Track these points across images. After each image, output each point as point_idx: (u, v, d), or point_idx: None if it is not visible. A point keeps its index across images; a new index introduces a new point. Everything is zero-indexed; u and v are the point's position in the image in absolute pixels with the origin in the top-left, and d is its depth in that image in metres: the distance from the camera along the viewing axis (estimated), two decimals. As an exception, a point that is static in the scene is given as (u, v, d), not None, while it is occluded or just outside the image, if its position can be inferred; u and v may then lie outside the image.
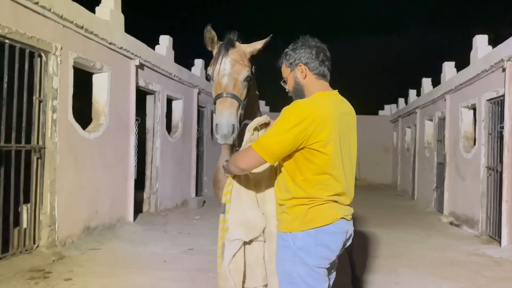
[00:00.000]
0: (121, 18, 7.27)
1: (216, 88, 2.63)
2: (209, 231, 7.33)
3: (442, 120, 10.73)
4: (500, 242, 6.69)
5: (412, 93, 15.16)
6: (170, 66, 9.42)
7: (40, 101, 5.42)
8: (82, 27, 6.04)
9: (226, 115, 2.48)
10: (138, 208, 8.40)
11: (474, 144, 8.52)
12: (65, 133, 5.82)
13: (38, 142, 5.40)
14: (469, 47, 8.63)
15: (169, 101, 9.95)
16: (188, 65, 11.30)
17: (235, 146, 2.81)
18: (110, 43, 6.84)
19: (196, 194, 11.19)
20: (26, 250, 5.20)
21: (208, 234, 7.08)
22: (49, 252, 5.34)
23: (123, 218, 7.46)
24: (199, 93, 11.30)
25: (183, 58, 10.54)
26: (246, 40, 2.82)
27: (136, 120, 8.02)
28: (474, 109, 8.60)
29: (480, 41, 8.26)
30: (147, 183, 8.99)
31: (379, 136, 19.43)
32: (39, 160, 5.40)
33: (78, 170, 6.14)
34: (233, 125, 2.48)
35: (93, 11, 6.67)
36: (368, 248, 6.53)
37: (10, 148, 4.98)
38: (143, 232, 7.25)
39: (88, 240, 6.14)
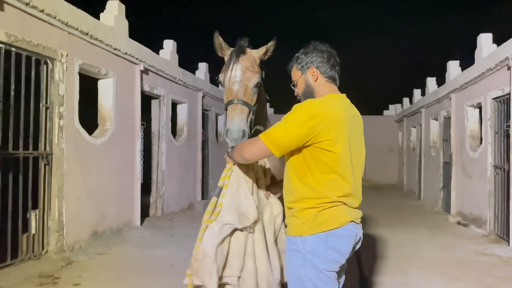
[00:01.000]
0: (125, 23, 7.32)
1: (227, 94, 2.70)
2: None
3: (447, 119, 10.69)
4: (508, 242, 6.65)
5: (417, 92, 15.13)
6: (175, 70, 9.46)
7: (46, 108, 5.47)
8: (87, 34, 6.09)
9: (236, 121, 2.56)
10: (145, 212, 8.43)
11: (481, 143, 8.48)
12: (72, 139, 5.86)
13: (45, 149, 5.44)
14: (474, 45, 8.61)
15: (174, 105, 9.98)
16: (192, 69, 11.34)
17: None
18: (114, 49, 6.89)
19: (202, 197, 11.21)
20: (35, 256, 5.23)
21: (215, 237, 7.09)
22: (57, 257, 5.37)
23: (130, 222, 7.50)
24: (203, 97, 11.33)
25: (187, 62, 10.59)
26: (252, 43, 2.86)
27: (142, 124, 8.06)
28: (480, 108, 8.57)
29: (485, 40, 8.24)
30: (153, 187, 9.02)
31: (384, 136, 19.39)
32: (47, 166, 5.44)
33: (85, 176, 6.18)
34: (243, 130, 2.55)
35: (98, 18, 6.72)
36: (376, 249, 6.51)
37: (18, 154, 5.02)
38: (150, 236, 7.28)
39: (96, 245, 6.17)
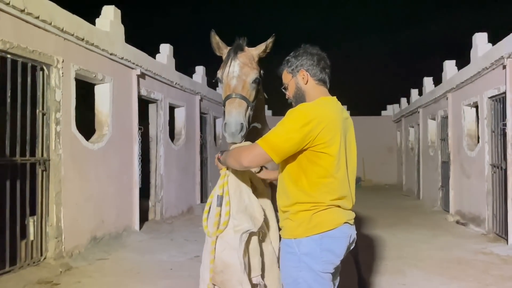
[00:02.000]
0: (121, 28, 7.33)
1: (225, 90, 2.71)
2: (215, 237, 7.33)
3: (445, 118, 10.71)
4: (507, 240, 6.66)
5: (414, 92, 15.15)
6: (171, 74, 9.47)
7: (43, 114, 5.47)
8: (83, 39, 6.10)
9: (234, 114, 2.55)
10: (143, 217, 8.43)
11: (478, 142, 8.50)
12: (69, 144, 5.86)
13: (42, 155, 5.44)
14: (470, 44, 8.63)
15: (172, 109, 9.99)
16: (190, 73, 11.36)
17: None
18: (111, 54, 6.90)
19: (201, 201, 11.19)
20: (34, 262, 5.23)
21: (214, 240, 7.08)
22: (56, 263, 5.37)
23: (129, 227, 7.49)
24: (201, 100, 11.34)
25: (184, 65, 10.61)
26: (250, 45, 2.88)
27: (139, 129, 8.06)
28: (476, 107, 8.59)
29: (480, 39, 8.26)
30: (152, 191, 9.02)
31: (382, 136, 19.42)
32: (44, 172, 5.44)
33: (83, 181, 6.18)
34: (241, 123, 2.54)
35: (93, 23, 6.73)
36: (375, 249, 6.52)
37: (15, 161, 5.02)
38: (149, 240, 7.28)
39: (95, 251, 6.17)
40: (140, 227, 7.87)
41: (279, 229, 2.41)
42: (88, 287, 4.82)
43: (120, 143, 7.32)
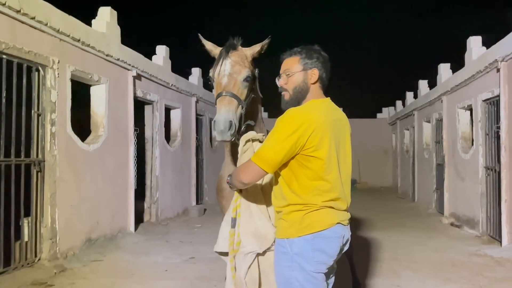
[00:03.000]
0: (117, 30, 7.34)
1: (216, 88, 2.71)
2: (210, 239, 7.31)
3: (439, 121, 10.77)
4: (500, 242, 6.70)
5: (409, 95, 15.22)
6: (168, 75, 9.48)
7: (38, 115, 5.46)
8: (78, 40, 6.10)
9: (223, 112, 2.54)
10: (139, 218, 8.41)
11: (472, 144, 8.55)
12: (64, 145, 5.85)
13: (37, 156, 5.43)
14: (464, 48, 8.70)
15: (167, 110, 9.99)
16: (186, 74, 11.36)
17: (237, 152, 2.87)
18: (107, 55, 6.90)
19: (197, 203, 11.20)
20: (28, 264, 5.21)
21: (210, 242, 7.05)
22: (51, 265, 5.35)
23: (124, 228, 7.48)
24: (197, 102, 11.35)
25: (181, 67, 10.62)
26: (246, 46, 2.89)
27: (135, 130, 8.06)
28: (471, 110, 8.64)
29: (474, 42, 8.33)
30: (147, 193, 9.00)
31: (378, 139, 19.48)
32: (39, 173, 5.43)
33: (78, 182, 6.17)
34: (230, 121, 2.52)
35: (90, 24, 6.73)
36: (370, 251, 6.54)
37: (10, 162, 5.01)
38: (144, 242, 7.26)
39: (89, 252, 6.15)
40: (135, 228, 7.86)
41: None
42: (82, 288, 4.81)
43: (115, 145, 7.31)
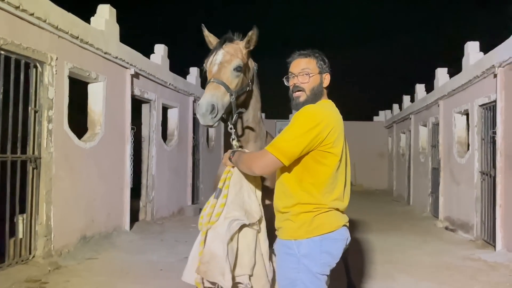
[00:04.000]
0: (116, 28, 7.32)
1: (208, 77, 2.74)
2: (205, 239, 7.32)
3: (436, 125, 10.81)
4: (494, 247, 6.73)
5: (406, 99, 15.28)
6: (165, 74, 9.47)
7: (35, 111, 5.44)
8: (77, 38, 6.08)
9: (207, 96, 2.56)
10: (134, 217, 8.39)
11: (468, 149, 8.59)
12: (61, 143, 5.83)
13: (33, 152, 5.41)
14: (462, 53, 8.74)
15: (165, 110, 9.98)
16: (184, 74, 11.35)
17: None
18: (105, 53, 6.89)
19: (193, 202, 11.18)
20: (22, 261, 5.18)
21: (205, 242, 7.07)
22: (45, 262, 5.33)
23: (119, 227, 7.46)
24: (194, 101, 11.33)
25: (179, 66, 10.61)
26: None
27: (132, 129, 8.04)
28: (467, 115, 8.69)
29: (472, 48, 8.37)
30: (143, 192, 8.99)
31: (374, 142, 19.54)
32: (35, 170, 5.41)
33: (74, 180, 6.15)
34: (213, 104, 2.52)
35: (88, 22, 6.72)
36: (365, 254, 6.55)
37: (6, 158, 4.98)
38: (139, 241, 7.25)
39: (84, 250, 6.13)
40: (131, 227, 7.84)
41: (275, 230, 2.42)
42: (76, 286, 4.79)
43: (112, 143, 7.29)
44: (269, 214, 2.58)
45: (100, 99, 6.99)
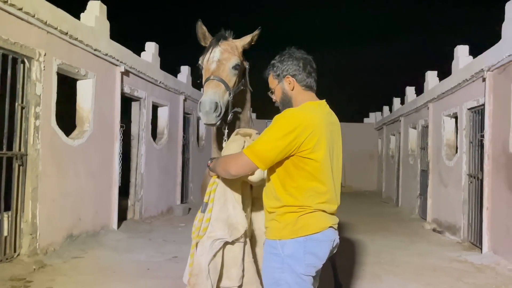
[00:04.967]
0: (106, 24, 7.26)
1: (205, 74, 2.72)
2: (194, 238, 7.28)
3: (425, 128, 10.89)
4: (481, 249, 6.80)
5: (397, 101, 15.38)
6: (156, 72, 9.41)
7: (22, 108, 5.36)
8: (66, 34, 6.01)
9: (209, 93, 2.54)
10: (122, 216, 8.33)
11: (456, 152, 8.66)
12: (48, 139, 5.76)
13: (20, 149, 5.33)
14: (451, 56, 8.82)
15: (155, 108, 9.92)
16: (174, 72, 11.30)
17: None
18: (95, 50, 6.82)
19: (182, 201, 11.13)
20: (7, 259, 5.10)
21: (193, 241, 7.03)
22: (30, 260, 5.25)
23: (107, 225, 7.39)
24: (185, 100, 11.29)
25: (169, 65, 10.55)
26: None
27: (121, 126, 7.97)
28: (456, 118, 8.76)
29: (461, 51, 8.44)
30: (132, 190, 8.91)
31: (364, 143, 19.63)
32: (21, 167, 5.33)
33: (61, 177, 6.07)
34: (216, 102, 2.51)
35: (78, 18, 6.64)
36: (353, 255, 6.57)
37: (-9, 155, 4.91)
38: (127, 239, 7.19)
39: (70, 248, 6.06)
40: (118, 226, 7.77)
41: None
42: (61, 285, 4.73)
43: (101, 140, 7.22)
44: None
45: (89, 96, 6.91)
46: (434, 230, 9.10)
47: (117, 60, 7.55)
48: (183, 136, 11.30)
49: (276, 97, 2.40)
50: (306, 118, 2.12)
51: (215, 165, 2.40)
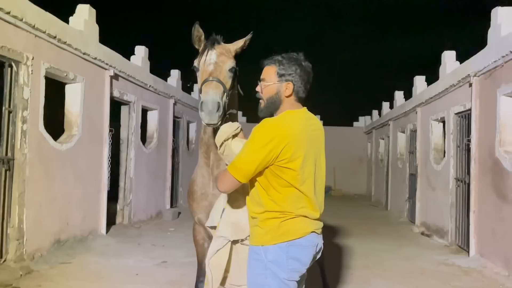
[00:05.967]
0: (95, 28, 7.22)
1: (202, 76, 2.72)
2: (183, 243, 7.27)
3: (413, 132, 11.00)
4: (468, 252, 6.87)
5: (386, 105, 15.51)
6: (146, 76, 9.38)
7: (9, 112, 5.31)
8: (55, 37, 5.97)
9: (211, 93, 2.55)
10: (111, 220, 8.27)
11: (444, 156, 8.76)
12: (36, 144, 5.70)
13: (7, 154, 5.27)
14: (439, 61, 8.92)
15: (144, 112, 9.88)
16: (164, 76, 11.27)
17: (211, 156, 2.88)
18: (84, 53, 6.78)
19: (171, 206, 11.09)
20: (-7, 265, 5.04)
21: (183, 246, 7.02)
22: (16, 266, 5.18)
23: (95, 230, 7.33)
24: (175, 104, 11.27)
25: (159, 68, 10.53)
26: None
27: (110, 130, 7.93)
28: (444, 122, 8.87)
29: (449, 57, 8.56)
30: (121, 195, 8.86)
31: (354, 147, 19.75)
32: (8, 172, 5.27)
33: (48, 182, 6.02)
34: (218, 102, 2.52)
35: (67, 21, 6.60)
36: (342, 258, 6.60)
37: (-23, 159, 4.85)
38: (115, 244, 7.14)
39: (58, 254, 6.00)
40: (107, 230, 7.72)
41: None
42: (49, 291, 4.68)
43: (89, 145, 7.17)
44: None
45: (78, 100, 6.87)
46: (422, 233, 9.18)
47: (107, 64, 7.52)
48: (173, 140, 11.27)
49: (266, 91, 2.32)
50: (282, 130, 2.13)
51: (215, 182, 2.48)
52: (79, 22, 6.82)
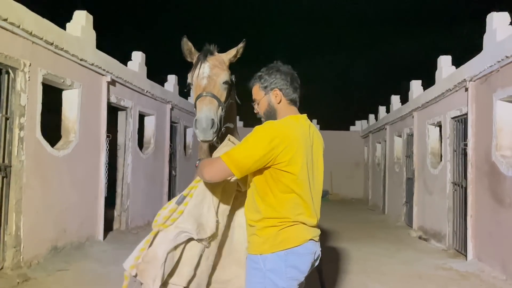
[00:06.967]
0: (92, 34, 7.23)
1: (196, 90, 2.70)
2: (181, 249, 7.23)
3: (410, 136, 11.04)
4: (466, 256, 6.89)
5: (382, 109, 15.56)
6: (143, 82, 9.38)
7: (6, 118, 5.30)
8: (52, 44, 5.98)
9: (205, 110, 2.53)
10: (108, 226, 8.23)
11: (441, 160, 8.79)
12: (33, 150, 5.69)
13: (4, 161, 5.26)
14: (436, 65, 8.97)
15: (141, 117, 9.87)
16: (161, 81, 11.28)
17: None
18: (81, 60, 6.78)
19: (169, 211, 11.03)
20: (-11, 273, 5.01)
21: (180, 252, 6.98)
22: (13, 274, 5.15)
23: (92, 237, 7.30)
24: (172, 109, 11.27)
25: (156, 74, 10.53)
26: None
27: (107, 136, 7.92)
28: (440, 126, 8.91)
29: (444, 61, 8.61)
30: (118, 201, 8.83)
31: (350, 151, 19.79)
32: (5, 179, 5.25)
33: (45, 189, 6.00)
34: (212, 119, 2.52)
35: (64, 28, 6.61)
36: (339, 263, 6.60)
37: (-26, 166, 4.83)
38: (113, 251, 7.10)
39: (55, 261, 5.97)
40: (104, 237, 7.68)
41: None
42: (46, 299, 4.66)
43: (86, 151, 7.16)
44: None
45: (75, 106, 6.86)
46: (420, 237, 9.19)
47: (104, 70, 7.52)
48: (170, 145, 11.26)
49: (260, 108, 2.42)
50: (284, 131, 2.15)
51: (199, 166, 2.40)
52: (76, 29, 6.82)
